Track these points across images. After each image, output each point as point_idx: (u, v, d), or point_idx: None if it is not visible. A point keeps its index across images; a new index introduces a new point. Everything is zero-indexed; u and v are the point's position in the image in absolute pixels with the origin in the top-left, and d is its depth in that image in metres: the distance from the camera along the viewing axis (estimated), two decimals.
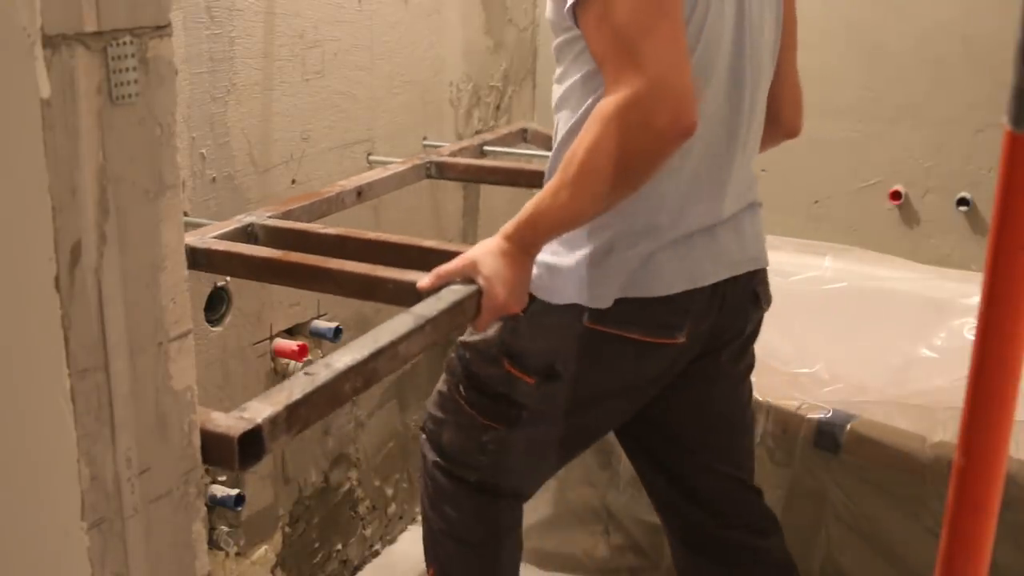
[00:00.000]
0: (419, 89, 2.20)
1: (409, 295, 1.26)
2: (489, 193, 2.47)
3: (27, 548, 0.80)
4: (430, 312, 1.17)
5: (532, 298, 1.34)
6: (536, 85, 2.67)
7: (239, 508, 1.68)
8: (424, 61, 2.21)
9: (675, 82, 1.14)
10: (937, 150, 2.41)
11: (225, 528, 1.77)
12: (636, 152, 1.15)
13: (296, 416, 0.96)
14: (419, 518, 2.09)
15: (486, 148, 2.23)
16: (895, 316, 2.34)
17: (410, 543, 2.28)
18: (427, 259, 1.34)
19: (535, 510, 2.15)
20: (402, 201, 2.17)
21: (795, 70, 1.49)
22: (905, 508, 1.73)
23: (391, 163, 2.01)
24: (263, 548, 1.88)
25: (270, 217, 1.61)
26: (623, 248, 1.31)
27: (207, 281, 1.67)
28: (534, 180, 1.87)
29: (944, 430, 1.72)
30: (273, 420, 0.93)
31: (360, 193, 1.84)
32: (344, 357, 1.05)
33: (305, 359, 1.83)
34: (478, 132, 2.44)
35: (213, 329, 1.70)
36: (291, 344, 1.83)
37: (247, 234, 1.57)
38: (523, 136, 2.41)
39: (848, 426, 1.76)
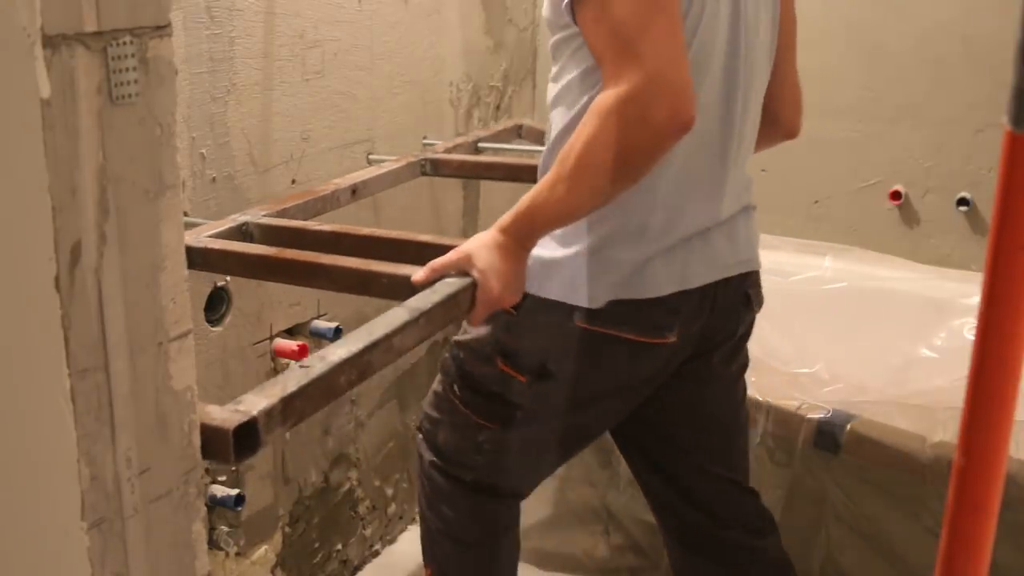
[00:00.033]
0: (419, 89, 2.20)
1: (404, 289, 1.26)
2: (489, 191, 2.47)
3: (27, 548, 0.80)
4: (424, 305, 1.18)
5: (524, 294, 1.34)
6: (536, 85, 2.67)
7: (239, 508, 1.68)
8: (424, 61, 2.21)
9: (673, 77, 1.14)
10: (937, 150, 2.41)
11: (225, 528, 1.77)
12: (634, 146, 1.15)
13: (291, 409, 0.96)
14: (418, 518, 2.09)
15: (481, 145, 2.23)
16: (895, 316, 2.34)
17: (410, 543, 2.28)
18: (422, 253, 1.34)
19: (535, 510, 2.15)
20: (402, 199, 2.17)
21: (794, 70, 1.49)
22: (905, 508, 1.73)
23: (386, 161, 2.02)
24: (263, 548, 1.88)
25: (265, 216, 1.61)
26: (617, 248, 1.31)
27: (207, 281, 1.67)
28: (529, 175, 1.87)
29: (944, 430, 1.72)
30: (268, 413, 0.93)
31: (355, 191, 1.84)
32: (339, 350, 1.05)
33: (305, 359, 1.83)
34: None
35: (213, 329, 1.70)
36: (291, 344, 1.83)
37: (242, 233, 1.57)
38: (518, 132, 2.41)
39: (848, 426, 1.76)
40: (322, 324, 1.90)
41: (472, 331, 1.43)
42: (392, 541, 2.31)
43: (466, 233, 2.45)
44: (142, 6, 0.76)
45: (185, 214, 1.56)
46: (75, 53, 0.72)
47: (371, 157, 2.05)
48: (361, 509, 2.19)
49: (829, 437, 1.77)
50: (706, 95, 1.30)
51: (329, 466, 2.06)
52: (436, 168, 2.03)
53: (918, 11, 2.36)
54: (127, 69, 0.75)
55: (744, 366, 1.54)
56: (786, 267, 2.44)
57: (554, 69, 1.34)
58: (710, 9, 1.26)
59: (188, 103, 1.60)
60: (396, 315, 1.15)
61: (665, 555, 1.68)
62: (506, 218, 1.26)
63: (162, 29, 0.78)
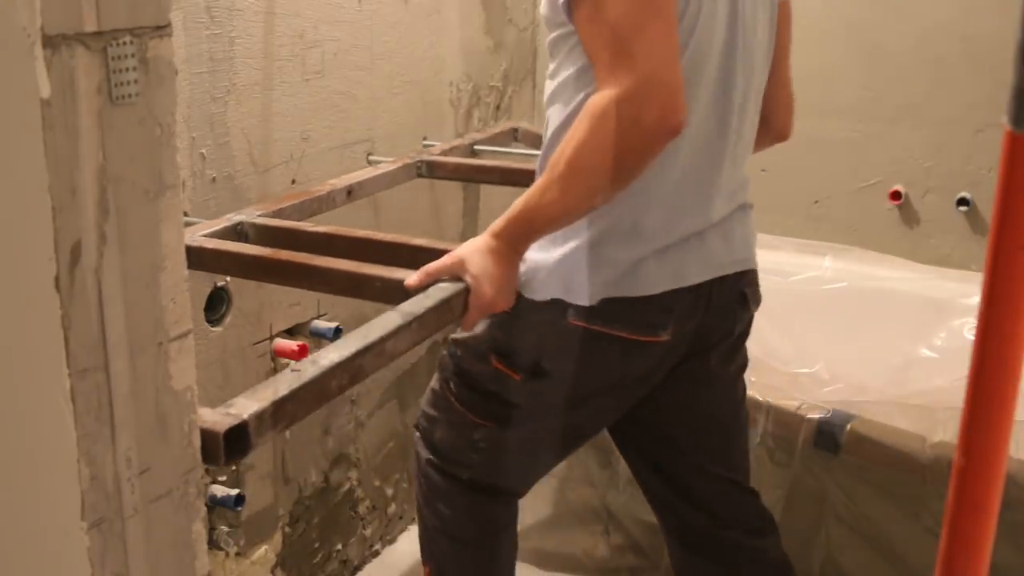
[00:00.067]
0: (419, 89, 2.20)
1: (397, 293, 1.26)
2: (489, 194, 2.47)
3: (27, 548, 0.80)
4: (417, 310, 1.18)
5: (519, 295, 1.34)
6: (536, 85, 2.67)
7: (239, 508, 1.68)
8: (424, 61, 2.21)
9: (665, 79, 1.14)
10: (937, 150, 2.41)
11: (225, 528, 1.77)
12: (625, 148, 1.15)
13: (283, 412, 0.97)
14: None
15: (477, 147, 2.23)
16: (895, 316, 2.34)
17: (410, 543, 2.28)
18: (416, 257, 1.35)
19: (535, 510, 2.15)
20: (402, 201, 2.17)
21: (788, 73, 1.49)
22: (905, 508, 1.73)
23: (382, 162, 2.02)
24: (263, 548, 1.88)
25: (260, 216, 1.61)
26: (611, 247, 1.31)
27: (207, 281, 1.67)
28: (525, 179, 1.87)
29: (944, 430, 1.72)
30: (259, 416, 0.94)
31: (351, 192, 1.84)
32: (331, 354, 1.06)
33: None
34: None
35: (213, 329, 1.70)
36: (291, 344, 1.83)
37: (237, 233, 1.57)
38: (514, 135, 2.41)
39: (848, 426, 1.76)
40: (322, 324, 1.90)
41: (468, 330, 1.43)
42: (392, 541, 2.31)
43: (465, 236, 2.45)
44: (142, 6, 0.76)
45: (185, 214, 1.56)
46: (75, 53, 0.72)
47: (371, 157, 2.05)
48: (361, 509, 2.19)
49: (829, 437, 1.77)
50: (702, 96, 1.30)
51: (329, 466, 2.06)
52: (432, 170, 2.03)
53: (918, 11, 2.36)
54: (127, 69, 0.75)
55: (743, 366, 1.54)
56: (786, 267, 2.44)
57: (551, 66, 1.35)
58: (707, 9, 1.26)
59: (188, 103, 1.60)
60: (389, 319, 1.15)
61: (665, 555, 1.69)
62: (499, 223, 1.27)
63: (162, 29, 0.78)
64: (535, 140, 2.33)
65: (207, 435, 0.89)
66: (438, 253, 1.31)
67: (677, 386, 1.44)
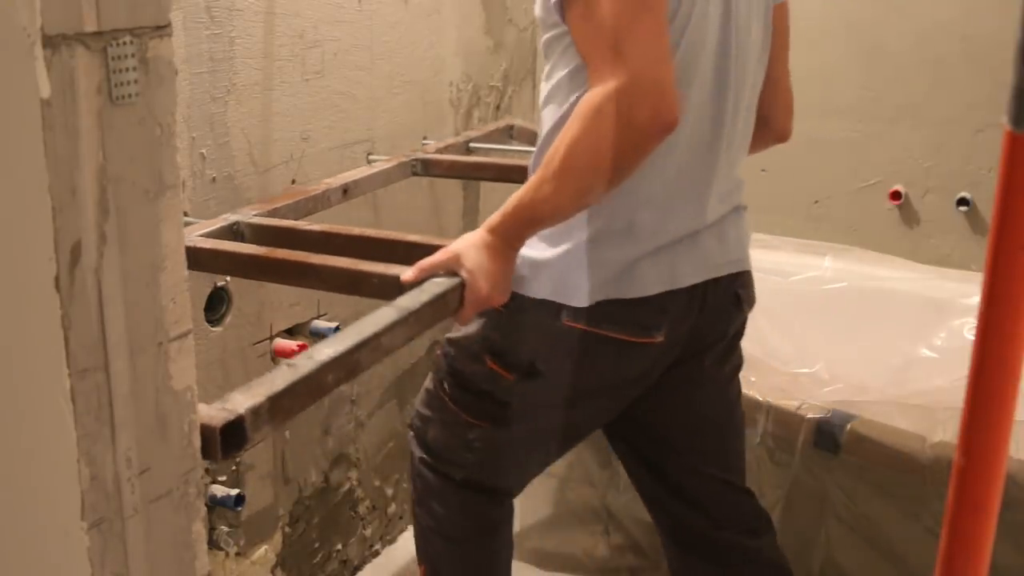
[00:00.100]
0: (419, 89, 2.20)
1: (393, 289, 1.27)
2: (489, 191, 2.47)
3: (27, 548, 0.80)
4: (413, 304, 1.18)
5: (513, 293, 1.34)
6: (536, 85, 2.67)
7: (239, 508, 1.68)
8: (424, 61, 2.21)
9: (657, 76, 1.15)
10: (937, 150, 2.41)
11: (225, 528, 1.77)
12: (618, 146, 1.16)
13: (278, 407, 0.97)
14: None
15: (472, 145, 2.23)
16: (895, 316, 2.34)
17: (410, 543, 2.27)
18: (412, 253, 1.35)
19: (535, 510, 2.15)
20: (403, 200, 2.17)
21: (787, 74, 1.49)
22: (905, 508, 1.73)
23: (378, 161, 2.02)
24: (263, 548, 1.88)
25: (256, 215, 1.62)
26: (604, 247, 1.31)
27: (207, 281, 1.67)
28: (519, 175, 1.87)
29: (944, 430, 1.72)
30: (255, 411, 0.94)
31: (346, 191, 1.85)
32: (327, 349, 1.06)
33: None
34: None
35: (213, 329, 1.70)
36: (291, 344, 1.83)
37: (233, 232, 1.57)
38: (509, 133, 2.41)
39: (848, 426, 1.76)
40: (322, 324, 1.90)
41: (463, 329, 1.43)
42: (392, 541, 2.31)
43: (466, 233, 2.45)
44: (142, 6, 0.76)
45: (185, 214, 1.56)
46: (75, 53, 0.72)
47: (371, 157, 2.05)
48: (361, 509, 2.19)
49: (829, 437, 1.77)
50: (696, 95, 1.30)
51: (329, 466, 2.06)
52: (427, 168, 2.03)
53: (918, 11, 2.36)
54: (127, 69, 0.75)
55: (738, 367, 1.54)
56: (786, 267, 2.44)
57: (546, 67, 1.35)
58: (699, 9, 1.26)
59: (188, 103, 1.60)
60: (384, 314, 1.15)
61: None
62: (494, 218, 1.27)
63: (162, 29, 0.78)
64: (530, 137, 2.33)
65: (203, 430, 0.89)
66: (434, 249, 1.32)
67: (671, 387, 1.44)
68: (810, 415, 1.80)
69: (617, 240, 1.31)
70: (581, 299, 1.31)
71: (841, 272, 2.43)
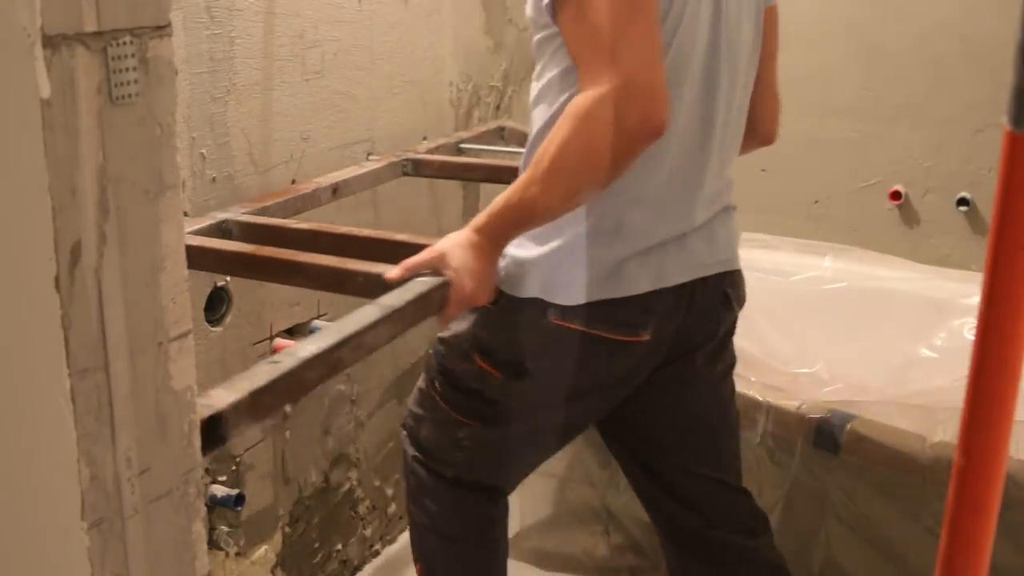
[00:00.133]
0: (419, 89, 2.20)
1: (378, 287, 1.27)
2: (490, 193, 2.47)
3: (27, 548, 0.80)
4: (396, 303, 1.19)
5: (500, 292, 1.34)
6: None
7: (239, 508, 1.68)
8: (424, 61, 2.21)
9: (646, 80, 1.15)
10: (937, 150, 2.41)
11: (225, 528, 1.77)
12: (606, 149, 1.16)
13: (259, 403, 0.97)
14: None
15: (463, 146, 2.24)
16: (895, 316, 2.34)
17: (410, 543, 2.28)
18: (398, 252, 1.36)
19: (535, 510, 2.15)
20: (402, 200, 2.17)
21: (775, 79, 1.49)
22: (905, 508, 1.73)
23: (368, 160, 2.02)
24: (263, 548, 1.88)
25: (244, 213, 1.62)
26: (592, 247, 1.31)
27: (207, 281, 1.67)
28: (510, 176, 1.87)
29: (944, 430, 1.72)
30: (236, 407, 0.94)
31: (336, 190, 1.85)
32: (309, 346, 1.07)
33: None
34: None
35: (213, 329, 1.70)
36: (291, 344, 1.82)
37: (221, 230, 1.58)
38: (500, 134, 2.42)
39: (848, 426, 1.76)
40: (322, 324, 1.90)
41: (454, 328, 1.43)
42: (392, 541, 2.31)
43: None
44: (142, 6, 0.76)
45: (185, 214, 1.56)
46: (75, 53, 0.72)
47: (371, 157, 2.05)
48: (361, 509, 2.19)
49: (829, 437, 1.77)
50: (687, 96, 1.30)
51: (329, 466, 2.06)
52: (417, 168, 2.04)
53: (917, 11, 2.36)
54: (127, 69, 0.75)
55: (730, 366, 1.53)
56: (786, 267, 2.44)
57: (537, 67, 1.35)
58: (691, 10, 1.26)
59: (188, 103, 1.60)
60: (367, 312, 1.16)
61: None
62: (480, 218, 1.27)
63: (162, 29, 0.78)
64: (521, 138, 2.33)
65: None
66: (419, 248, 1.32)
67: (662, 387, 1.44)
68: (810, 415, 1.80)
69: (606, 240, 1.31)
70: (568, 298, 1.32)
71: (841, 272, 2.43)
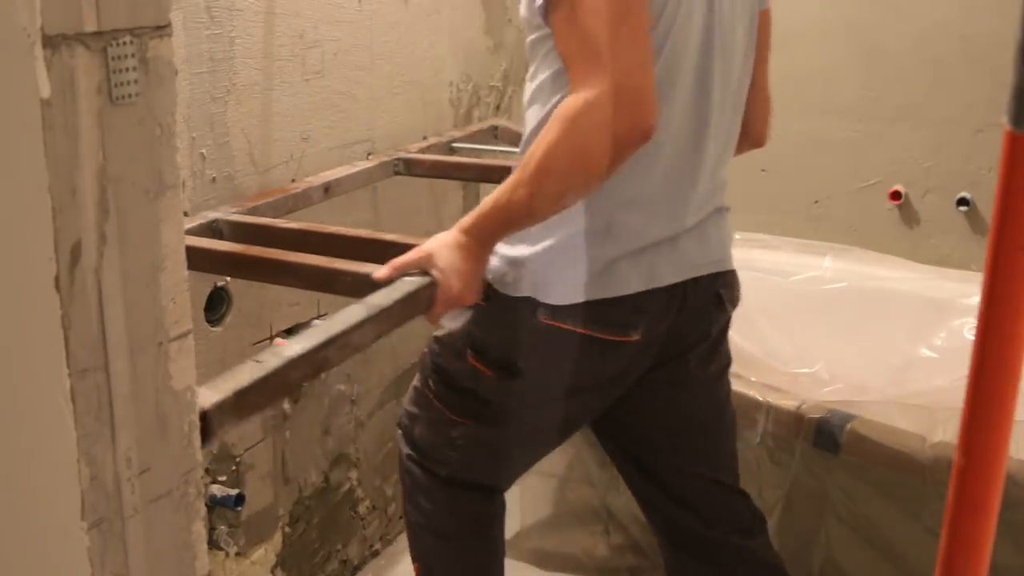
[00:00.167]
0: (419, 89, 2.20)
1: (366, 287, 1.27)
2: (489, 192, 2.47)
3: (27, 548, 0.80)
4: (383, 302, 1.19)
5: (492, 291, 1.34)
6: None
7: (239, 508, 1.68)
8: (424, 61, 2.21)
9: (636, 84, 1.15)
10: (937, 150, 2.41)
11: (225, 528, 1.77)
12: (595, 152, 1.16)
13: (244, 403, 0.97)
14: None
15: (455, 145, 2.24)
16: (895, 316, 2.34)
17: None
18: (386, 252, 1.36)
19: (535, 510, 2.15)
20: (402, 200, 2.17)
21: (766, 81, 1.49)
22: (905, 508, 1.73)
23: (361, 160, 2.02)
24: (263, 548, 1.88)
25: (235, 213, 1.62)
26: (583, 247, 1.31)
27: (207, 281, 1.67)
28: (501, 176, 1.87)
29: (944, 430, 1.72)
30: (220, 406, 0.94)
31: (327, 189, 1.85)
32: (295, 346, 1.07)
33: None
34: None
35: (213, 329, 1.70)
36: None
37: (212, 230, 1.58)
38: (493, 134, 2.41)
39: (848, 426, 1.76)
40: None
41: (448, 326, 1.44)
42: (392, 541, 2.31)
43: None
44: (142, 6, 0.76)
45: (185, 214, 1.56)
46: (75, 53, 0.72)
47: (371, 157, 2.05)
48: (361, 509, 2.19)
49: (829, 437, 1.77)
50: (680, 98, 1.30)
51: (329, 466, 2.06)
52: (409, 168, 2.04)
53: (917, 11, 2.36)
54: (127, 69, 0.75)
55: (725, 366, 1.53)
56: (786, 267, 2.44)
57: (531, 68, 1.36)
58: (684, 11, 1.26)
59: (188, 103, 1.60)
60: (353, 312, 1.16)
61: None
62: (468, 219, 1.28)
63: (162, 29, 0.78)
64: (513, 138, 2.33)
65: None
66: (408, 248, 1.32)
67: (653, 389, 1.44)
68: (810, 415, 1.80)
69: (598, 240, 1.31)
70: (560, 297, 1.32)
71: (841, 272, 2.43)
